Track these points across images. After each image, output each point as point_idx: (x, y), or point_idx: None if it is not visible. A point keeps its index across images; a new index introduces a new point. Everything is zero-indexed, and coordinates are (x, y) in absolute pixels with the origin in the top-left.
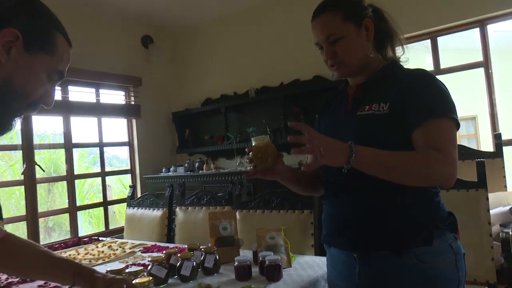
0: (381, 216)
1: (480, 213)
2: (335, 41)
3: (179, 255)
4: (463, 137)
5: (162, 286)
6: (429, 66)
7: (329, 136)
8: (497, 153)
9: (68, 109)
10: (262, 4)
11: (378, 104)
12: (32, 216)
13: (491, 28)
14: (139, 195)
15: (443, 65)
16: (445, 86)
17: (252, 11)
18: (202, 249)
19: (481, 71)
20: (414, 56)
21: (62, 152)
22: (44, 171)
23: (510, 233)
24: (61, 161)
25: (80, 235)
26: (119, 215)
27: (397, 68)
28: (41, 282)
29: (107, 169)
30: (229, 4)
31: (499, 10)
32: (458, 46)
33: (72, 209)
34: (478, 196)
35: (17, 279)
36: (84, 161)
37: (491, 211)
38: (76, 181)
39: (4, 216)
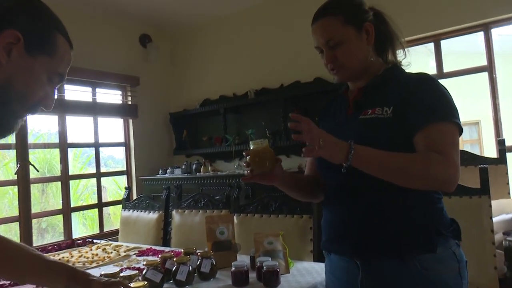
0: (383, 222)
1: (482, 220)
2: (335, 45)
3: (175, 259)
4: (466, 142)
5: None
6: (432, 69)
7: None
8: (501, 159)
9: (63, 108)
10: (263, 4)
11: (381, 108)
12: (25, 217)
13: (495, 31)
14: (134, 197)
15: (446, 69)
16: (447, 91)
17: (253, 11)
18: (199, 254)
19: (485, 75)
20: (417, 59)
21: (56, 152)
22: (38, 171)
23: None
24: (56, 161)
25: (74, 237)
26: (114, 217)
27: (399, 72)
28: (33, 287)
29: (102, 169)
30: (229, 4)
31: (504, 14)
32: (462, 49)
33: (66, 210)
34: (481, 203)
35: (9, 282)
36: (78, 161)
37: (494, 219)
38: (71, 182)
39: None
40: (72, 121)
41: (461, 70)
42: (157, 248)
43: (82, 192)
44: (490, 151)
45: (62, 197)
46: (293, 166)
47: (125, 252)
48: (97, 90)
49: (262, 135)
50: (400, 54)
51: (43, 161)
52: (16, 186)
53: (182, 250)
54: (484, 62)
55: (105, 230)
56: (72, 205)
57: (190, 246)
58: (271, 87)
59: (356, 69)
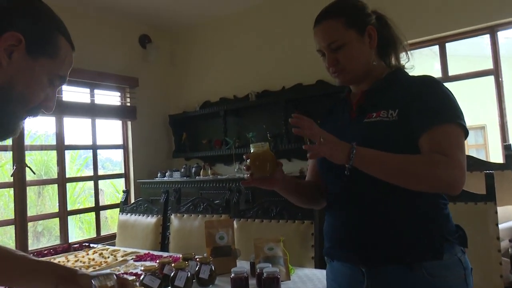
0: (389, 228)
1: (488, 227)
2: (337, 48)
3: (173, 264)
4: (471, 147)
5: None
6: (437, 72)
7: None
8: (507, 165)
9: (61, 109)
10: (264, 4)
11: (386, 111)
12: (20, 220)
13: (501, 34)
14: (132, 200)
15: (451, 72)
16: (452, 93)
17: (254, 11)
18: (198, 259)
19: (491, 79)
20: (422, 62)
21: (53, 154)
22: (34, 173)
23: None
24: (53, 163)
25: (70, 241)
26: (111, 221)
27: (402, 75)
28: None
29: (100, 172)
30: (230, 4)
31: (510, 17)
32: (467, 52)
33: (63, 214)
34: (487, 209)
35: None
36: (76, 163)
37: (500, 226)
38: (67, 185)
39: None
40: (69, 122)
41: (467, 74)
42: (155, 253)
43: (79, 195)
44: (496, 156)
45: (59, 200)
46: (295, 170)
47: (122, 257)
48: (96, 91)
49: (263, 138)
50: (403, 57)
51: (40, 163)
52: (12, 189)
53: (181, 256)
54: (490, 65)
55: (102, 234)
56: (69, 208)
57: (189, 252)
58: (272, 90)
59: (358, 72)
